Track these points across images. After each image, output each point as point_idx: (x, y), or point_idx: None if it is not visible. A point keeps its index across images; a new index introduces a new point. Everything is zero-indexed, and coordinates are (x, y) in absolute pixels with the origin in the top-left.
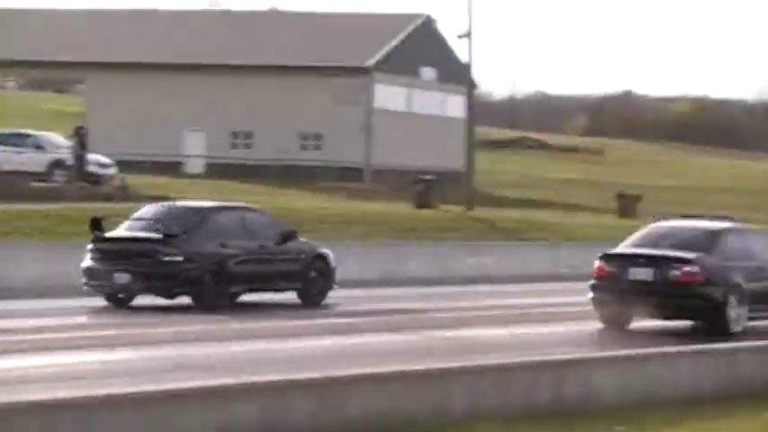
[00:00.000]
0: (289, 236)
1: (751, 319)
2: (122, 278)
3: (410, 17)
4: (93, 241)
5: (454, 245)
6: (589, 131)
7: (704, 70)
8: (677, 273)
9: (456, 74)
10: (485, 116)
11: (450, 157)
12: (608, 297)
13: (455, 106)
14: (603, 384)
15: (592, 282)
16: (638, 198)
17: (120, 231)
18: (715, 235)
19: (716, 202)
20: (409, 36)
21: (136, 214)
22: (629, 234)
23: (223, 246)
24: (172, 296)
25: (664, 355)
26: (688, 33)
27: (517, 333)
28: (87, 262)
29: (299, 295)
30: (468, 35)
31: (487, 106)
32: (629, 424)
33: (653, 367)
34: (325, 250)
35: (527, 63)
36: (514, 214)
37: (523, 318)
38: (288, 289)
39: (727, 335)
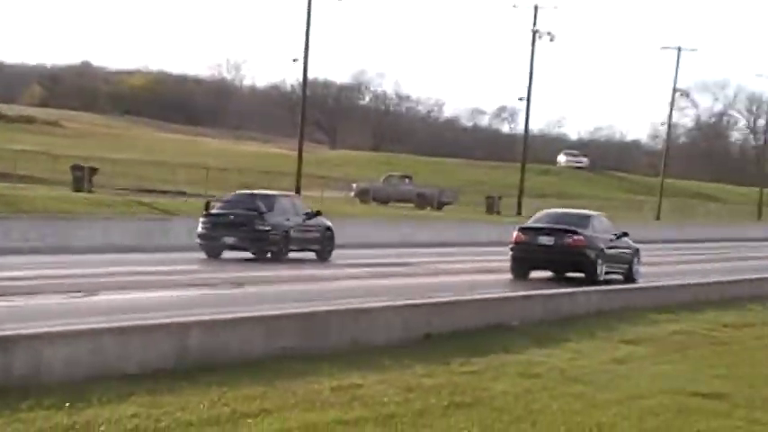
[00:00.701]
0: (314, 214)
1: (607, 273)
2: (230, 240)
3: None
4: (205, 216)
5: None
6: (45, 102)
7: (161, 45)
8: (570, 240)
9: None
10: None
11: None
12: (523, 255)
13: None
14: (54, 359)
15: (511, 245)
16: (94, 171)
17: (222, 210)
18: (588, 217)
19: (171, 176)
20: None
21: (227, 198)
22: (82, 206)
23: (287, 220)
24: (259, 252)
25: (113, 329)
26: (145, 7)
27: None
28: (201, 230)
29: (317, 254)
30: None
31: None
32: (76, 401)
33: (104, 341)
34: (330, 223)
35: None
36: None
37: None
38: (313, 250)
39: (597, 282)
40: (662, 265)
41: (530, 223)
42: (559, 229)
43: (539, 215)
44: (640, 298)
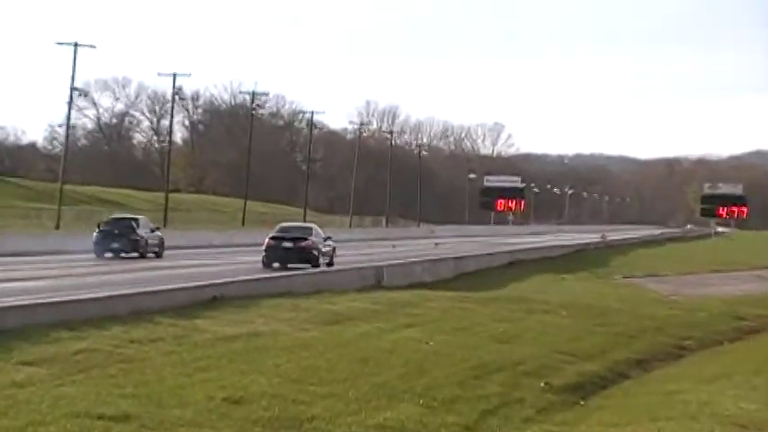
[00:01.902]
0: (155, 228)
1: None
2: (115, 245)
3: None
4: (98, 231)
5: None
6: None
7: None
8: (302, 243)
9: None
10: None
11: None
12: (273, 253)
13: None
14: None
15: (265, 247)
16: None
17: (107, 227)
18: (311, 228)
19: None
20: None
21: (112, 218)
22: None
23: (146, 233)
24: (132, 252)
25: None
26: None
27: None
28: (95, 239)
29: (156, 255)
30: None
31: None
32: None
33: None
34: (162, 234)
35: None
36: None
37: None
38: (154, 252)
39: (318, 267)
40: (71, 278)
41: (275, 233)
42: (295, 237)
43: (279, 227)
44: (44, 313)
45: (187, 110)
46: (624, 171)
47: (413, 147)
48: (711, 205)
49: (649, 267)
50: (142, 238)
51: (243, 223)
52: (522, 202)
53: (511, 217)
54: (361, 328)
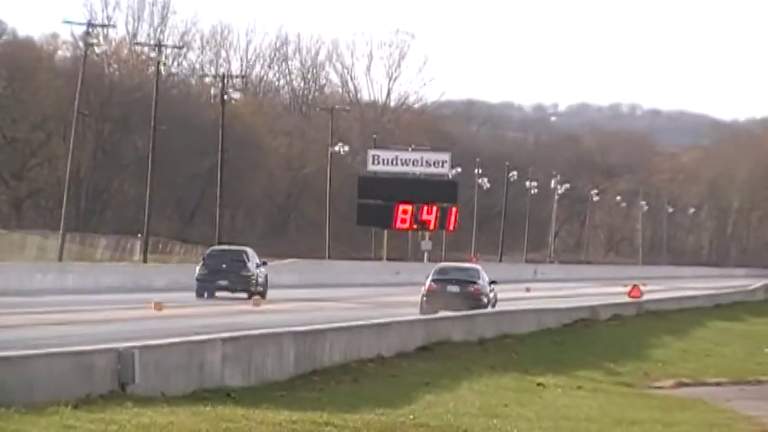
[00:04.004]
0: (263, 263)
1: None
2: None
3: None
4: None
5: None
6: None
7: None
8: (471, 288)
9: None
10: None
11: None
12: (436, 300)
13: None
14: None
15: (425, 292)
16: None
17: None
18: (477, 269)
19: None
20: None
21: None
22: None
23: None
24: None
25: None
26: None
27: None
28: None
29: (261, 295)
30: None
31: None
32: None
33: None
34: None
35: None
36: None
37: None
38: (259, 292)
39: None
40: None
41: (436, 275)
42: (463, 280)
43: (438, 268)
44: None
45: None
46: (682, 144)
47: (210, 80)
48: None
49: (737, 361)
50: (253, 274)
51: None
52: (454, 213)
53: (428, 244)
54: None
